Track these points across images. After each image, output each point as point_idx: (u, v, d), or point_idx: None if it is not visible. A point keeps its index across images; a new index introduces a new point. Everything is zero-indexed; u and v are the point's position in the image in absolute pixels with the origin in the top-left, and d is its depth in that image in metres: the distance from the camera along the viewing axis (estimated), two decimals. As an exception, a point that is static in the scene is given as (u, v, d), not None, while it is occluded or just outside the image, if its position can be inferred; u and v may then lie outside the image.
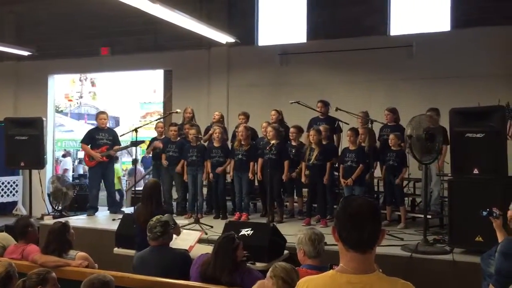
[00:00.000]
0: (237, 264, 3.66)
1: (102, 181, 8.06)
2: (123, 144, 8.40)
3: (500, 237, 3.35)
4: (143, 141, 8.24)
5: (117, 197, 10.31)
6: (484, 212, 3.56)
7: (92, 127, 8.52)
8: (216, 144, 7.29)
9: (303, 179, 6.92)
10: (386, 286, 1.78)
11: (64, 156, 16.18)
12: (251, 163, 7.07)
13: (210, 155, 7.27)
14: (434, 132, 5.20)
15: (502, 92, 7.94)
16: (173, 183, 7.82)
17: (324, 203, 6.77)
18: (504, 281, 2.74)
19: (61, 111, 24.19)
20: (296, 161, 7.06)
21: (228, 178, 7.46)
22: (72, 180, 13.25)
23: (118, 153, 11.17)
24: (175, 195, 7.98)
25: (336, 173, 7.03)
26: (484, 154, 4.90)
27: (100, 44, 11.59)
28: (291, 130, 7.26)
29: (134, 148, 8.08)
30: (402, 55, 9.09)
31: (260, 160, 7.05)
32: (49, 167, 11.34)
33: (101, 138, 7.88)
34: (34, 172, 7.85)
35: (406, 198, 7.06)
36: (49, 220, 7.02)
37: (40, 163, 7.58)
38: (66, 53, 11.78)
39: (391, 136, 6.62)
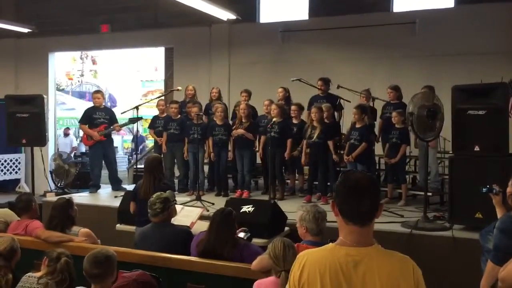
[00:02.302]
0: (236, 238, 3.70)
1: (103, 159, 8.09)
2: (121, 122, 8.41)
3: (500, 214, 3.36)
4: (141, 118, 8.26)
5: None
6: (484, 189, 3.56)
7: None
8: (218, 122, 7.29)
9: (303, 158, 6.91)
10: (385, 259, 1.80)
11: (66, 135, 16.20)
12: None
13: (212, 133, 7.28)
14: (436, 110, 5.18)
15: (506, 69, 7.85)
16: (175, 160, 7.84)
17: (325, 180, 6.79)
18: (502, 256, 2.76)
19: (63, 89, 24.09)
20: (297, 139, 7.06)
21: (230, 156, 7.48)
22: (74, 158, 13.31)
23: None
24: (177, 172, 8.02)
25: (339, 151, 7.04)
26: (486, 131, 4.89)
27: (100, 21, 11.49)
28: (292, 108, 7.24)
29: (135, 125, 8.07)
30: (405, 32, 9.00)
31: (262, 138, 7.05)
32: (51, 144, 11.38)
33: (98, 117, 7.91)
34: (36, 149, 7.87)
35: (407, 176, 7.08)
36: (51, 197, 7.07)
37: (41, 140, 7.59)
38: (66, 30, 11.69)
39: (394, 113, 6.61)
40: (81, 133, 19.32)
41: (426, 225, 5.18)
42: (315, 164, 6.83)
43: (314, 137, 6.64)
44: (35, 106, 7.57)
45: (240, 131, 7.05)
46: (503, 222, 2.93)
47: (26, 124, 7.48)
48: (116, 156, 10.05)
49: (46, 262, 3.23)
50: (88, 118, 7.98)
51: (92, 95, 8.34)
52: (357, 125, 6.66)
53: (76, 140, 17.71)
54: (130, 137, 19.67)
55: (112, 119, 8.01)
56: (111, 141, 8.32)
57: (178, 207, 4.58)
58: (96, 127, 7.84)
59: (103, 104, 8.36)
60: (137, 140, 8.75)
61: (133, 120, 7.97)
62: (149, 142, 15.63)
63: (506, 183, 3.10)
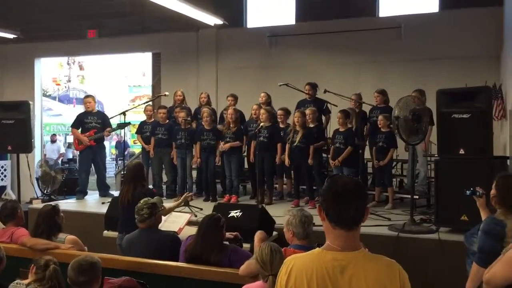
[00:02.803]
0: (223, 244, 3.70)
1: (92, 165, 8.04)
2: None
3: (484, 216, 3.40)
4: (129, 123, 8.23)
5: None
6: (467, 192, 3.59)
7: (80, 110, 8.46)
8: (206, 127, 7.29)
9: (286, 161, 6.93)
10: (371, 263, 1.81)
11: (53, 141, 16.06)
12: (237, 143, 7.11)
13: (200, 138, 7.28)
14: (421, 113, 5.23)
15: (490, 73, 7.99)
16: (163, 166, 7.81)
17: (310, 184, 6.81)
18: (487, 258, 2.79)
19: (49, 95, 23.90)
20: (284, 143, 7.08)
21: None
22: (62, 164, 13.20)
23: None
24: (165, 178, 7.99)
25: (324, 155, 7.07)
26: (470, 135, 4.95)
27: (87, 26, 11.43)
28: (279, 112, 7.27)
29: (122, 131, 8.03)
30: (390, 36, 9.09)
31: (253, 143, 7.07)
32: (37, 151, 11.27)
33: (90, 121, 7.87)
34: (22, 156, 7.80)
35: (394, 179, 7.12)
36: (38, 204, 7.00)
37: (27, 147, 7.52)
38: (52, 36, 11.60)
39: (380, 117, 6.66)
40: (69, 139, 19.28)
41: (413, 228, 5.22)
42: (298, 168, 6.85)
43: (296, 141, 6.67)
44: (20, 112, 7.50)
45: (227, 146, 7.08)
46: (487, 224, 2.96)
47: (12, 131, 7.40)
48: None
49: (33, 269, 3.19)
50: (79, 123, 7.95)
51: (83, 99, 8.29)
52: (341, 129, 6.71)
53: (64, 146, 17.59)
54: (113, 143, 19.50)
55: (104, 123, 7.97)
56: (102, 146, 8.27)
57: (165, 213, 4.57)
58: (87, 132, 7.81)
59: (96, 108, 8.32)
60: (124, 145, 8.69)
61: (121, 126, 7.94)
62: (137, 148, 15.57)
63: (491, 185, 3.14)
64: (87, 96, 8.34)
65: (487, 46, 8.54)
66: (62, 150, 15.65)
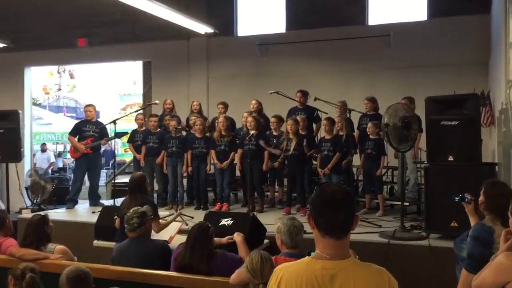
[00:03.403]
0: (213, 252, 3.69)
1: (87, 173, 8.02)
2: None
3: (473, 222, 3.42)
4: (126, 133, 8.24)
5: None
6: (456, 198, 3.62)
7: (71, 120, 8.43)
8: (198, 135, 7.29)
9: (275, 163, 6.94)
10: (361, 271, 1.82)
11: (43, 150, 15.92)
12: (232, 154, 7.10)
13: (192, 146, 7.27)
14: (410, 120, 5.28)
15: (478, 80, 8.08)
16: (154, 174, 7.79)
17: (303, 192, 6.82)
18: (476, 264, 2.81)
19: (39, 104, 23.78)
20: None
21: (212, 169, 7.47)
22: (52, 174, 13.10)
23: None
24: (156, 186, 7.96)
25: (315, 163, 7.09)
26: (459, 142, 4.98)
27: (77, 35, 11.42)
28: (272, 120, 7.27)
29: (113, 141, 8.02)
30: (380, 44, 9.16)
31: (239, 151, 7.07)
32: (27, 160, 11.18)
33: (88, 130, 7.87)
34: (11, 165, 7.73)
35: (384, 186, 7.15)
36: (27, 214, 6.94)
37: (17, 156, 7.47)
38: (42, 45, 11.57)
39: (369, 124, 6.69)
40: (59, 148, 19.15)
41: (404, 234, 5.23)
42: (293, 176, 6.86)
43: (291, 150, 6.69)
44: (10, 121, 7.45)
45: (225, 164, 7.06)
46: (476, 230, 2.98)
47: (1, 140, 7.35)
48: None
49: (12, 281, 3.14)
50: (77, 131, 7.94)
51: (84, 108, 8.30)
52: (327, 137, 6.74)
53: (54, 155, 17.45)
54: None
55: (102, 133, 7.95)
56: (99, 155, 8.26)
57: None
58: (84, 140, 7.80)
59: (95, 117, 8.31)
60: (115, 155, 8.66)
61: (119, 135, 7.95)
62: (128, 156, 15.50)
63: (480, 191, 3.16)
64: (89, 105, 8.31)
65: (475, 54, 8.64)
66: (52, 159, 15.54)
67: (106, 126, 8.17)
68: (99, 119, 9.01)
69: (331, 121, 6.79)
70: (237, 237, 4.23)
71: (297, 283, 1.80)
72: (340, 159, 6.63)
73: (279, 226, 3.52)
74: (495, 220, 2.95)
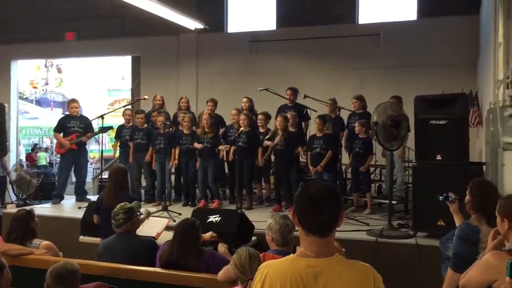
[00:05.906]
0: (200, 249, 3.67)
1: (73, 169, 7.94)
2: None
3: (457, 221, 3.43)
4: (111, 127, 8.14)
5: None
6: (440, 197, 3.61)
7: (57, 113, 8.34)
8: (186, 131, 7.25)
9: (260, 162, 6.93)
10: (345, 269, 1.81)
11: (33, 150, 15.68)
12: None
13: (180, 142, 7.23)
14: (399, 119, 5.29)
15: (466, 80, 8.15)
16: (142, 170, 7.74)
17: (289, 189, 6.81)
18: (462, 263, 2.82)
19: (26, 98, 23.48)
20: (264, 148, 7.08)
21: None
22: (38, 169, 12.98)
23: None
24: (143, 182, 7.91)
25: (303, 160, 7.09)
26: (447, 141, 5.01)
27: (65, 28, 11.30)
28: (259, 117, 7.26)
29: (101, 135, 7.95)
30: (370, 43, 9.21)
31: (232, 148, 7.04)
32: (12, 154, 11.05)
33: (72, 126, 7.77)
34: (-4, 159, 7.66)
35: (372, 185, 7.17)
36: (12, 209, 6.85)
37: (2, 150, 7.39)
38: (30, 38, 11.43)
39: (356, 124, 6.70)
40: (46, 142, 18.95)
41: (391, 233, 5.26)
42: (280, 173, 6.86)
43: (276, 141, 6.68)
44: (-5, 115, 7.36)
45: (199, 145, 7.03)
46: (462, 230, 3.00)
47: (-14, 134, 7.26)
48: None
49: None
50: (62, 127, 7.85)
51: (69, 104, 8.19)
52: (319, 134, 6.74)
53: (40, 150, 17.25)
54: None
55: (87, 127, 7.87)
56: (84, 150, 8.16)
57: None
58: (69, 136, 7.71)
59: (79, 113, 8.22)
60: (102, 151, 8.58)
61: (103, 130, 7.87)
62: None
63: (466, 191, 3.17)
64: (73, 101, 8.22)
65: (464, 54, 8.70)
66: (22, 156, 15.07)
67: (92, 121, 8.09)
68: (83, 114, 8.89)
69: (323, 119, 6.77)
70: (221, 248, 4.17)
71: (281, 281, 1.79)
72: (332, 157, 6.62)
73: (270, 223, 3.49)
74: (481, 219, 2.96)
